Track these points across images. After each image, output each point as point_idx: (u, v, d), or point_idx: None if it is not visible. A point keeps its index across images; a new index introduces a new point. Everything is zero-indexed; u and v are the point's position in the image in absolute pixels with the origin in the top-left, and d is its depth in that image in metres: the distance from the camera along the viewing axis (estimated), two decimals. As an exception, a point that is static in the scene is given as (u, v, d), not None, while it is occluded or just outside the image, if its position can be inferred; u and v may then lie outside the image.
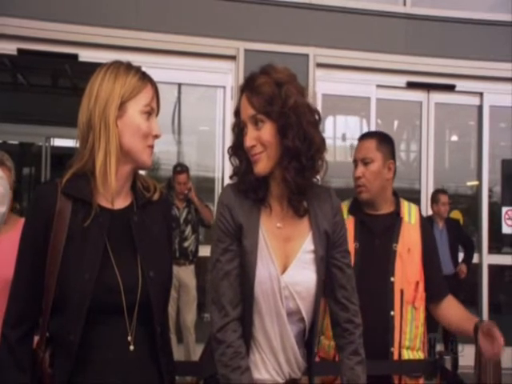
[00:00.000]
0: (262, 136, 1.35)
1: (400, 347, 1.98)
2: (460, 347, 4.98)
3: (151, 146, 1.36)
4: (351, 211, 2.12)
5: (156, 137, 1.36)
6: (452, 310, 2.04)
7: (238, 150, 1.42)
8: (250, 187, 1.39)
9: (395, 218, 2.07)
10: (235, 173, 1.44)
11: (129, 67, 1.34)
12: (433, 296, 2.04)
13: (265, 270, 1.38)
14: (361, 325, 1.49)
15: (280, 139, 1.35)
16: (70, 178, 1.31)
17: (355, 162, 2.11)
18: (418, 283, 2.01)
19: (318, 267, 1.41)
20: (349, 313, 1.47)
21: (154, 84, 1.37)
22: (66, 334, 1.25)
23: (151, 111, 1.34)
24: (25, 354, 1.28)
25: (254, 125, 1.36)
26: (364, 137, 2.18)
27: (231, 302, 1.38)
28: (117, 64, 1.34)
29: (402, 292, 1.98)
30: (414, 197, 5.05)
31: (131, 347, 1.30)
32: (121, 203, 1.35)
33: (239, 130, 1.41)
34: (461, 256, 5.26)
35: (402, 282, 1.99)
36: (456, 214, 5.48)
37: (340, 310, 1.47)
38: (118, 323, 1.29)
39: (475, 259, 5.45)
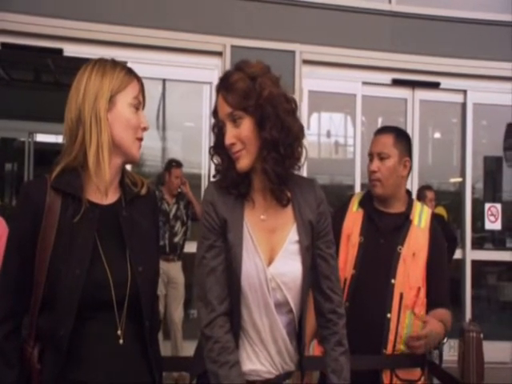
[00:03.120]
0: (242, 133, 1.37)
1: (394, 350, 1.95)
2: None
3: (140, 139, 1.38)
4: (362, 204, 2.10)
5: (144, 129, 1.38)
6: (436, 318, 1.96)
7: (218, 148, 1.43)
8: (231, 183, 1.41)
9: (404, 219, 2.04)
10: (218, 171, 1.45)
11: (115, 63, 1.36)
12: (431, 302, 2.00)
13: (251, 262, 1.39)
14: (344, 315, 1.51)
15: (258, 132, 1.36)
16: (60, 173, 1.30)
17: (371, 155, 2.08)
18: (419, 289, 1.98)
19: (304, 257, 1.42)
20: (333, 304, 1.49)
21: (139, 79, 1.39)
22: (56, 329, 1.25)
23: (139, 104, 1.36)
24: (12, 351, 1.28)
25: (233, 122, 1.37)
26: (381, 131, 2.13)
27: (218, 298, 1.39)
28: (103, 61, 1.36)
29: (401, 296, 1.95)
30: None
31: (120, 341, 1.30)
32: (109, 198, 1.36)
33: (219, 129, 1.42)
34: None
35: (403, 285, 1.96)
36: (440, 210, 5.52)
37: (324, 300, 1.49)
38: (108, 318, 1.29)
39: (459, 255, 5.51)
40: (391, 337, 1.95)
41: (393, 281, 1.96)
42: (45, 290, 1.26)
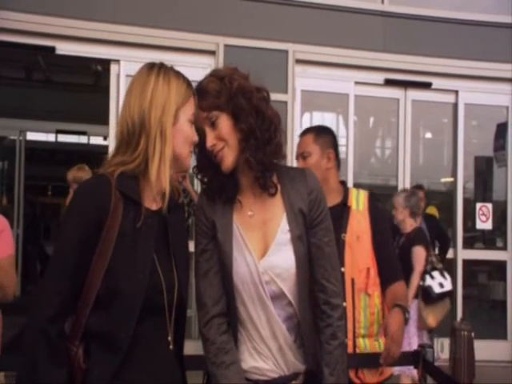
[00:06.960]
0: (220, 132, 1.38)
1: (355, 337, 1.99)
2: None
3: (192, 152, 1.41)
4: None
5: (195, 142, 1.40)
6: (391, 296, 2.02)
7: (201, 164, 1.45)
8: (218, 189, 1.43)
9: (343, 208, 2.08)
10: (204, 183, 1.47)
11: (176, 72, 1.37)
12: (385, 279, 2.04)
13: (241, 258, 1.40)
14: (339, 306, 1.48)
15: (236, 126, 1.38)
16: (119, 175, 1.28)
17: (297, 158, 2.15)
18: (369, 269, 2.02)
19: (296, 246, 1.42)
20: (326, 294, 1.46)
21: (195, 94, 1.40)
22: (116, 331, 1.24)
23: (193, 120, 1.38)
24: (62, 350, 1.24)
25: (211, 126, 1.39)
26: (302, 133, 2.22)
27: (212, 299, 1.40)
28: (165, 66, 1.36)
29: (352, 281, 2.00)
30: (391, 193, 5.10)
31: (171, 347, 1.33)
32: (156, 205, 1.37)
33: (199, 149, 1.43)
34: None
35: (352, 271, 2.00)
36: (432, 210, 5.55)
37: (318, 291, 1.47)
38: (159, 322, 1.31)
39: (450, 254, 5.54)
40: (350, 325, 1.97)
41: (342, 269, 1.97)
42: (100, 292, 1.24)
